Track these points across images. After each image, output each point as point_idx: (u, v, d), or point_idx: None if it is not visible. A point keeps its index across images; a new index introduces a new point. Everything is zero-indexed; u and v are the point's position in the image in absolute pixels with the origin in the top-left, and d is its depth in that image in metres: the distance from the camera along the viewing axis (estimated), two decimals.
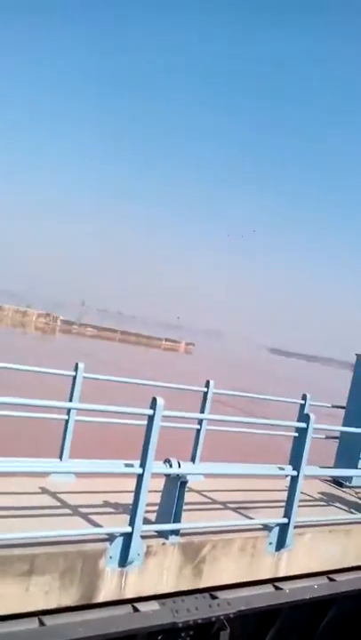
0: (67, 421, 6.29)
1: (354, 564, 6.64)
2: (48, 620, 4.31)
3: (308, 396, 8.02)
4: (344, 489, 8.21)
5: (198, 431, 7.29)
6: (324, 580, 6.22)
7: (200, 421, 7.28)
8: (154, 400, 4.67)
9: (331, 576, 6.29)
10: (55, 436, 6.69)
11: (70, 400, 6.22)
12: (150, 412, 4.66)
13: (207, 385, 7.26)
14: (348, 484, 8.21)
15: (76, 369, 6.26)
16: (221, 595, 5.24)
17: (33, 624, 4.25)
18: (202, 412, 7.25)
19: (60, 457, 6.27)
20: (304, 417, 5.99)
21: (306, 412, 6.68)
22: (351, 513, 7.23)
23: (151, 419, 4.64)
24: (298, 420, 6.31)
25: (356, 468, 8.14)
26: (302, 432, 5.86)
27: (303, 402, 8.03)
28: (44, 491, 5.62)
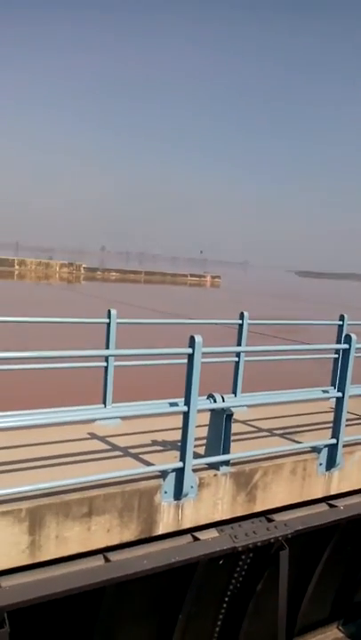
0: (106, 368, 6.32)
1: None
2: (112, 555, 4.50)
3: (346, 317, 7.85)
4: None
5: (237, 364, 7.27)
6: None
7: (238, 354, 7.25)
8: (192, 338, 4.61)
9: None
10: (89, 385, 6.74)
11: (107, 347, 6.22)
12: (189, 350, 4.61)
13: (241, 317, 7.17)
14: None
15: (108, 316, 6.22)
16: (277, 517, 5.37)
17: (99, 561, 4.45)
18: (238, 344, 7.20)
19: (104, 403, 6.36)
20: (346, 338, 5.87)
21: (345, 332, 6.53)
22: None
23: (191, 357, 4.60)
24: (338, 342, 6.21)
25: None
26: (345, 353, 5.77)
27: (341, 323, 7.88)
28: (92, 436, 5.75)
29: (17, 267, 78.58)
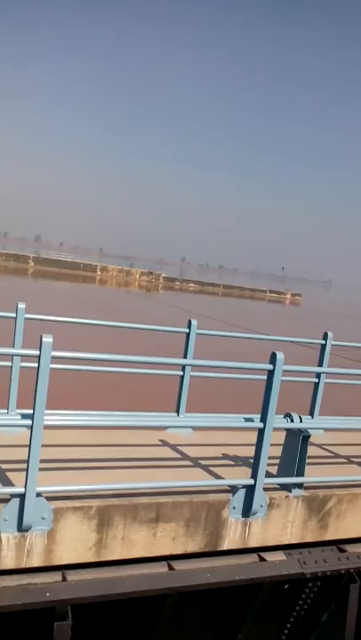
0: (182, 377, 6.36)
1: None
2: (176, 564, 4.48)
3: None
4: None
5: (316, 385, 7.07)
6: None
7: (318, 375, 7.05)
8: (273, 355, 4.54)
9: None
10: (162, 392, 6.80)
11: (185, 356, 6.26)
12: (270, 367, 4.54)
13: (325, 337, 6.97)
14: None
15: (189, 326, 6.26)
16: (350, 548, 5.13)
17: (163, 567, 4.44)
18: (320, 364, 7.00)
19: (177, 412, 6.39)
20: None
21: None
22: None
23: (271, 374, 4.52)
24: None
25: None
26: None
27: None
28: (164, 443, 5.79)
29: (99, 272, 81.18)
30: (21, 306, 5.49)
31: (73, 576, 4.12)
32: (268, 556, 4.79)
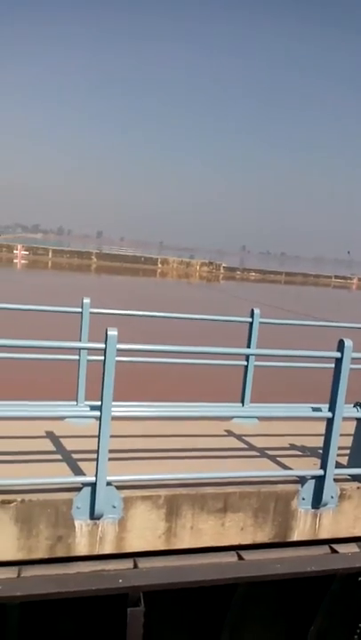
0: (246, 367, 6.31)
1: None
2: (246, 554, 4.48)
3: None
4: None
5: None
6: None
7: None
8: (341, 342, 4.41)
9: None
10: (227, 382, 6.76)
11: (248, 346, 6.20)
12: (338, 354, 4.41)
13: None
14: None
15: (251, 315, 6.20)
16: None
17: (232, 557, 4.45)
18: None
19: (242, 402, 6.35)
20: None
21: None
22: None
23: (339, 361, 4.40)
24: None
25: None
26: None
27: None
28: (229, 433, 5.78)
29: (160, 265, 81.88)
30: (86, 301, 5.62)
31: (144, 563, 4.21)
32: (340, 548, 4.69)
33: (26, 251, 78.56)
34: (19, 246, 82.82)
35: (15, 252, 79.74)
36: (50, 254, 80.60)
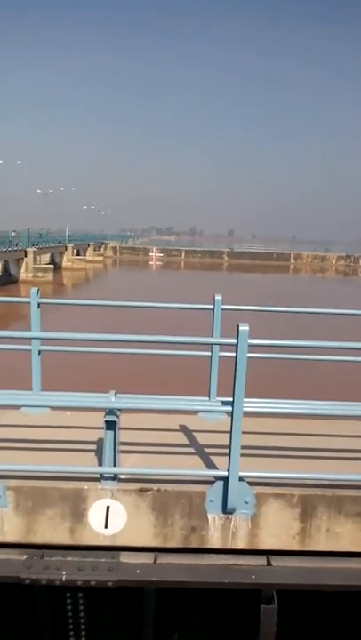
0: None
1: None
2: None
3: None
4: None
5: None
6: None
7: None
8: None
9: None
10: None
11: None
12: None
13: None
14: None
15: None
16: None
17: None
18: None
19: None
20: None
21: None
22: None
23: None
24: None
25: None
26: None
27: None
28: None
29: (293, 261, 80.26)
30: (218, 297, 5.68)
31: (277, 562, 4.15)
32: None
33: (160, 253, 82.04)
34: (154, 249, 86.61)
35: (151, 254, 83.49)
36: (183, 255, 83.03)
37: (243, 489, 4.09)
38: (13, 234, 49.88)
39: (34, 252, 44.53)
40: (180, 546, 4.16)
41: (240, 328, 3.92)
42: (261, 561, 4.15)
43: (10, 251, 41.52)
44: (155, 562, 4.09)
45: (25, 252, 43.60)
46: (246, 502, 4.11)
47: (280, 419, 5.58)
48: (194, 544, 4.17)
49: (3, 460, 4.38)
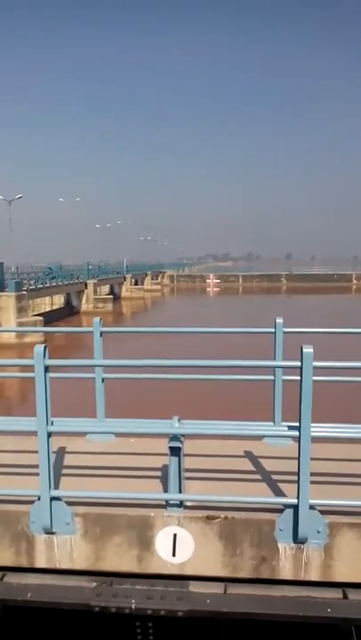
0: None
1: None
2: None
3: None
4: None
5: None
6: None
7: None
8: None
9: None
10: None
11: None
12: None
13: None
14: None
15: None
16: None
17: None
18: None
19: None
20: None
21: None
22: None
23: None
24: None
25: None
26: None
27: None
28: None
29: (355, 281, 78.38)
30: (279, 320, 5.61)
31: (355, 595, 3.94)
32: None
33: (217, 279, 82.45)
34: (210, 275, 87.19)
35: (208, 280, 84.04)
36: (240, 280, 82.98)
37: (314, 517, 3.94)
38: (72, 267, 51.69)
39: (94, 283, 46.12)
40: (251, 576, 4.04)
41: (304, 350, 3.83)
42: (337, 594, 3.95)
43: (71, 284, 43.09)
44: (225, 592, 3.98)
45: (85, 284, 45.16)
46: (319, 532, 3.95)
47: (351, 444, 5.37)
48: (265, 574, 4.03)
49: (70, 487, 4.44)
